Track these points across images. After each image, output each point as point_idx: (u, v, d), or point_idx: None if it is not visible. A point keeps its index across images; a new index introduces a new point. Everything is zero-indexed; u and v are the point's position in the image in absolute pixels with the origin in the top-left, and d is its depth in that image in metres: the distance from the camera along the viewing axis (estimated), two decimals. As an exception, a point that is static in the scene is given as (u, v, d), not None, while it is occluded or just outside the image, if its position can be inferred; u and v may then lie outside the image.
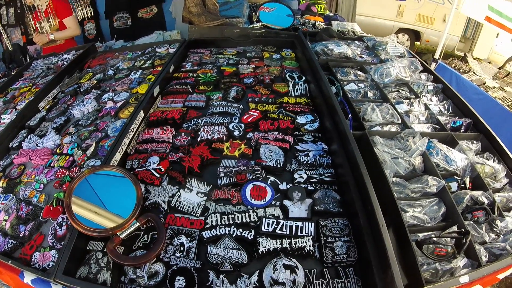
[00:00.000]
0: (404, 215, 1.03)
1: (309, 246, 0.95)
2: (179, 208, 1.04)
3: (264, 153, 1.18)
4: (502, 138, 1.19)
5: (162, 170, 1.14)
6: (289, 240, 0.96)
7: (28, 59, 2.89)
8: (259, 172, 1.12)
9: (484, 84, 2.57)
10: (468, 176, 1.16)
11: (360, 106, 1.34)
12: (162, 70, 1.66)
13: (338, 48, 1.60)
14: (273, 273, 0.90)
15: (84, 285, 0.89)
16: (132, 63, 1.95)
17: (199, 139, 1.26)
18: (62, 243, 1.04)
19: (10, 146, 1.66)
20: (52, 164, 1.42)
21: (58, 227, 1.11)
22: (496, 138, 1.19)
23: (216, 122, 1.33)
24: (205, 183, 1.11)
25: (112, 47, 2.79)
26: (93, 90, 1.81)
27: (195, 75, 1.69)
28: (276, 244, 0.95)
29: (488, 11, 2.64)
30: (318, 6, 2.45)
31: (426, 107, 1.38)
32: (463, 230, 1.01)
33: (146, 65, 1.87)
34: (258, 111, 1.36)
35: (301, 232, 0.98)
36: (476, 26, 5.12)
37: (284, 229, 0.98)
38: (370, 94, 1.43)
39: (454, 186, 1.16)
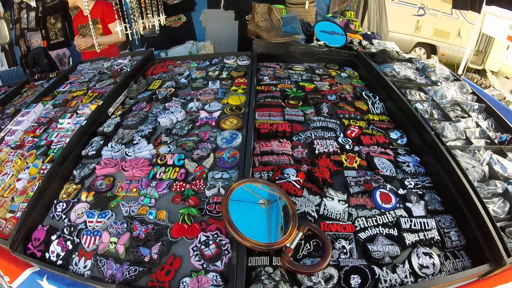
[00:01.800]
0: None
1: (436, 236, 1.20)
2: (327, 215, 1.20)
3: (379, 165, 1.39)
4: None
5: (301, 181, 1.28)
6: (422, 233, 1.19)
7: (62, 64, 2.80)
8: (381, 181, 1.34)
9: (504, 98, 3.08)
10: (519, 180, 1.54)
11: (435, 124, 1.64)
12: (250, 83, 1.75)
13: (403, 70, 1.89)
14: (418, 259, 1.13)
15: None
16: (204, 73, 1.99)
17: (317, 152, 1.42)
18: (217, 263, 1.00)
19: (83, 154, 1.59)
20: (157, 176, 1.36)
21: (204, 247, 1.03)
22: (531, 149, 1.59)
23: (325, 136, 1.50)
24: (340, 191, 1.28)
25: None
26: (173, 98, 1.81)
27: (278, 89, 1.82)
28: (416, 237, 1.18)
29: (510, 30, 3.13)
30: (354, 23, 2.73)
31: (478, 125, 1.74)
32: (525, 218, 1.37)
33: (224, 75, 1.93)
34: (357, 127, 1.56)
35: (428, 226, 1.22)
36: (487, 40, 5.59)
37: (417, 225, 1.21)
38: (435, 114, 1.74)
39: (510, 188, 1.53)
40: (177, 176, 1.34)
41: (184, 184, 1.29)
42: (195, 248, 1.03)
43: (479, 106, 1.86)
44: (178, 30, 3.17)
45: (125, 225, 1.18)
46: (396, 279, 1.08)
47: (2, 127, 1.86)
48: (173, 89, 1.85)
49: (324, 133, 1.52)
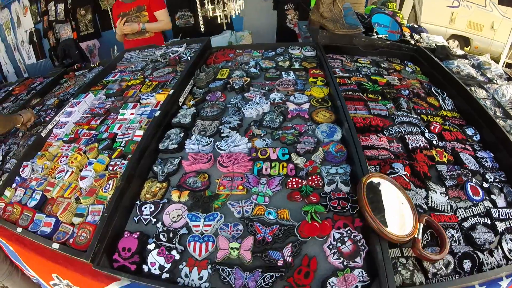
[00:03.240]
0: None
1: (517, 225, 1.37)
2: (434, 207, 1.32)
3: (465, 159, 1.52)
4: None
5: (408, 175, 1.37)
6: (508, 222, 1.35)
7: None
8: (470, 175, 1.47)
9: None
10: None
11: (500, 121, 1.78)
12: (330, 75, 1.77)
13: (466, 68, 1.99)
14: (507, 245, 1.29)
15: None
16: (272, 63, 1.95)
17: (410, 146, 1.51)
18: (356, 259, 1.02)
19: (161, 147, 1.53)
20: (264, 172, 1.31)
21: (340, 244, 1.03)
22: None
23: (413, 131, 1.59)
24: (439, 185, 1.40)
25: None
26: (250, 88, 1.79)
27: (353, 82, 1.86)
28: (504, 225, 1.34)
29: None
30: (399, 16, 2.75)
31: (532, 123, 1.91)
32: None
33: (297, 66, 1.91)
34: (438, 123, 1.66)
35: (510, 216, 1.39)
36: (519, 32, 5.69)
37: (503, 215, 1.37)
38: (497, 112, 1.88)
39: None
40: (288, 171, 1.31)
41: (299, 180, 1.27)
42: (331, 247, 1.03)
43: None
44: (214, 19, 3.03)
45: (240, 227, 1.12)
46: (494, 262, 1.24)
47: (47, 119, 1.72)
48: (248, 80, 1.82)
49: (411, 128, 1.60)
